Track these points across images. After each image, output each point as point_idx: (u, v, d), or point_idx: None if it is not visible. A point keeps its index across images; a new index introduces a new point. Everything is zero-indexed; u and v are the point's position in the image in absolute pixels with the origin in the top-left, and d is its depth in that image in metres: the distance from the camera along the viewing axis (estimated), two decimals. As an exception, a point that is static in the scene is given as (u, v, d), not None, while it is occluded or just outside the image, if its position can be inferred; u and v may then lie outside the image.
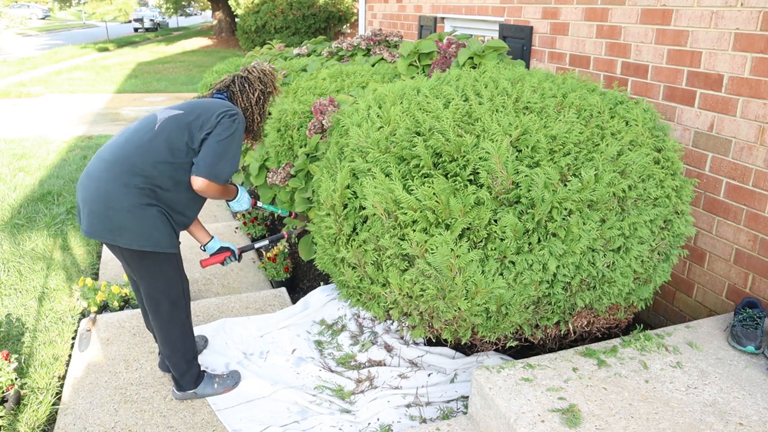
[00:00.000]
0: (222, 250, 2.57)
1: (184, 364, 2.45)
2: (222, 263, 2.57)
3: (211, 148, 2.21)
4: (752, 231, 2.66)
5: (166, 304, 2.35)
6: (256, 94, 2.50)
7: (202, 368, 2.62)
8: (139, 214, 2.16)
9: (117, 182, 2.15)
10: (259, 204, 2.90)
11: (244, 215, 4.61)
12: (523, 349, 2.72)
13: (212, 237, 2.57)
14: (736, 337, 2.32)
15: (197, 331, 3.00)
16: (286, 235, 2.92)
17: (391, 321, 2.96)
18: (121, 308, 3.34)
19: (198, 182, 2.20)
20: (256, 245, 2.78)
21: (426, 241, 2.05)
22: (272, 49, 6.35)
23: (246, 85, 2.50)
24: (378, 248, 2.25)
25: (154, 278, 2.30)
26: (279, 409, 2.48)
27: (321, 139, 3.07)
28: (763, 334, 2.34)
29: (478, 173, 2.12)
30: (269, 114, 3.02)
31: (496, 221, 2.07)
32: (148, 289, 2.33)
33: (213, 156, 2.20)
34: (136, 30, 33.31)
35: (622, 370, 2.16)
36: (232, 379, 2.61)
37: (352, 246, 2.34)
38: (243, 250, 2.66)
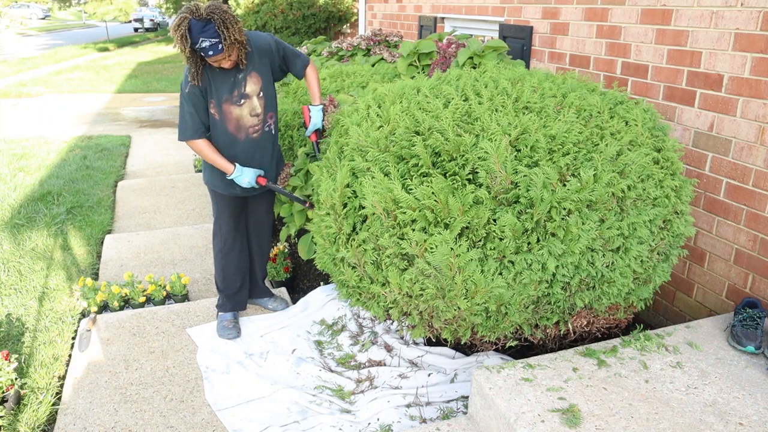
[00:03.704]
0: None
1: (218, 290, 3.15)
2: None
3: (288, 49, 2.93)
4: (752, 231, 2.66)
5: (213, 230, 3.12)
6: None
7: (223, 312, 3.12)
8: (205, 165, 2.97)
9: None
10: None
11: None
12: (523, 349, 2.72)
13: (235, 166, 2.87)
14: (736, 337, 2.32)
15: (197, 330, 3.02)
16: (308, 204, 3.01)
17: (391, 321, 2.96)
18: (121, 308, 3.34)
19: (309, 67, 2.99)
20: (282, 191, 3.01)
21: (425, 241, 2.05)
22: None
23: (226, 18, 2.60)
24: (377, 248, 2.25)
25: (214, 206, 3.08)
26: (279, 409, 2.48)
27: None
28: (763, 334, 2.34)
29: (477, 173, 2.12)
30: None
31: (495, 221, 2.07)
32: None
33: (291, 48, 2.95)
34: (136, 30, 33.28)
35: (622, 370, 2.16)
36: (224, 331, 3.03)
37: (351, 245, 2.34)
38: (273, 188, 2.98)
